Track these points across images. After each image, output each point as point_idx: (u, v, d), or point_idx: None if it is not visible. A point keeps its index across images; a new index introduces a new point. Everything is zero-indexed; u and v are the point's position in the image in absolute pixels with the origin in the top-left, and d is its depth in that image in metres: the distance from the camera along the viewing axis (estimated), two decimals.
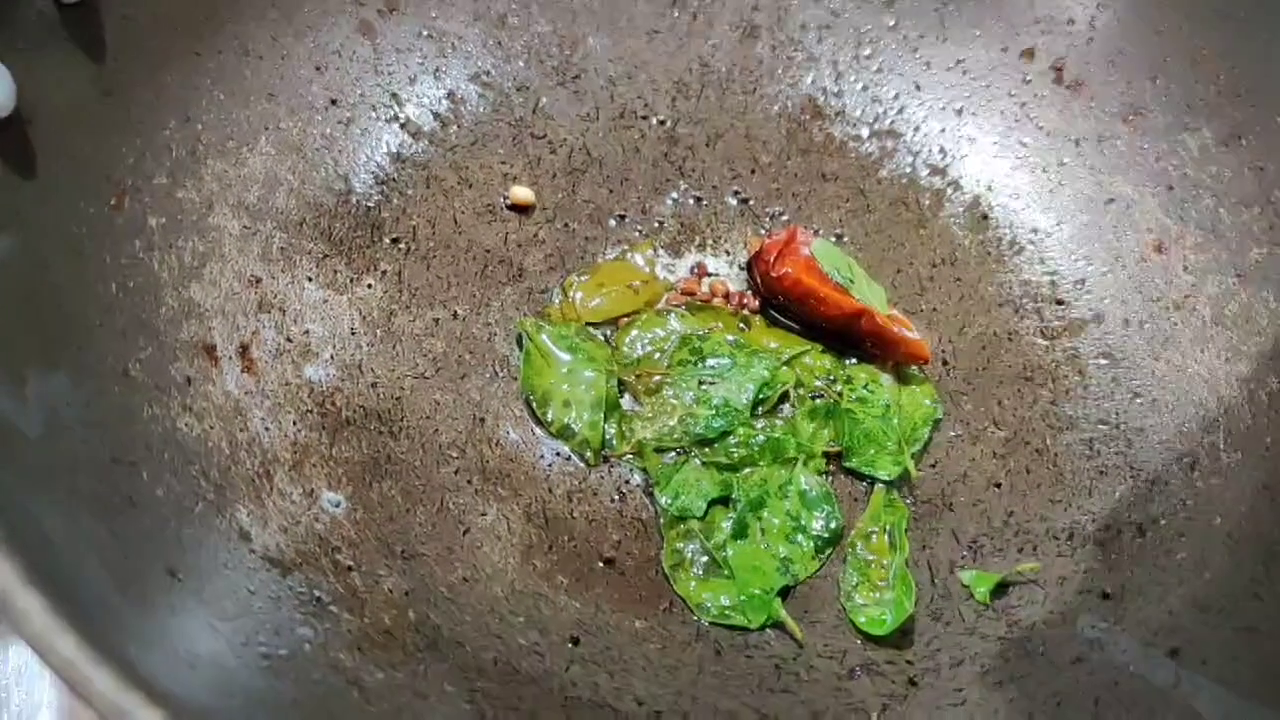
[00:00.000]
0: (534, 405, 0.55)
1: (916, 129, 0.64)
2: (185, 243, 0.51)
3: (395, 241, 0.58)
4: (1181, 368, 0.56)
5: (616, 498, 0.53)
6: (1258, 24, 0.57)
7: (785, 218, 0.62)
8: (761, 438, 0.54)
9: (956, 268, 0.61)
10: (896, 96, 0.64)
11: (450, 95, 0.62)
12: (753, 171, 0.63)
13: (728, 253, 0.61)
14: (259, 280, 0.53)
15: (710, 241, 0.61)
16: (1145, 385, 0.56)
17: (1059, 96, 0.62)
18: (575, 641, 0.48)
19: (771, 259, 0.57)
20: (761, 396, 0.55)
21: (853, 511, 0.54)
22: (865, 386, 0.56)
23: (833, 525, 0.52)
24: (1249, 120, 0.57)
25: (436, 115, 0.61)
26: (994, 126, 0.63)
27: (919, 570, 0.52)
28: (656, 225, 0.61)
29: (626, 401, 0.56)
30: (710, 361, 0.56)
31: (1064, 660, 0.47)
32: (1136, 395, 0.56)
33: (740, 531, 0.52)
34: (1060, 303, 0.59)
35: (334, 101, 0.59)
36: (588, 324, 0.57)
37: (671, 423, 0.54)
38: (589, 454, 0.54)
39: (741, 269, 0.60)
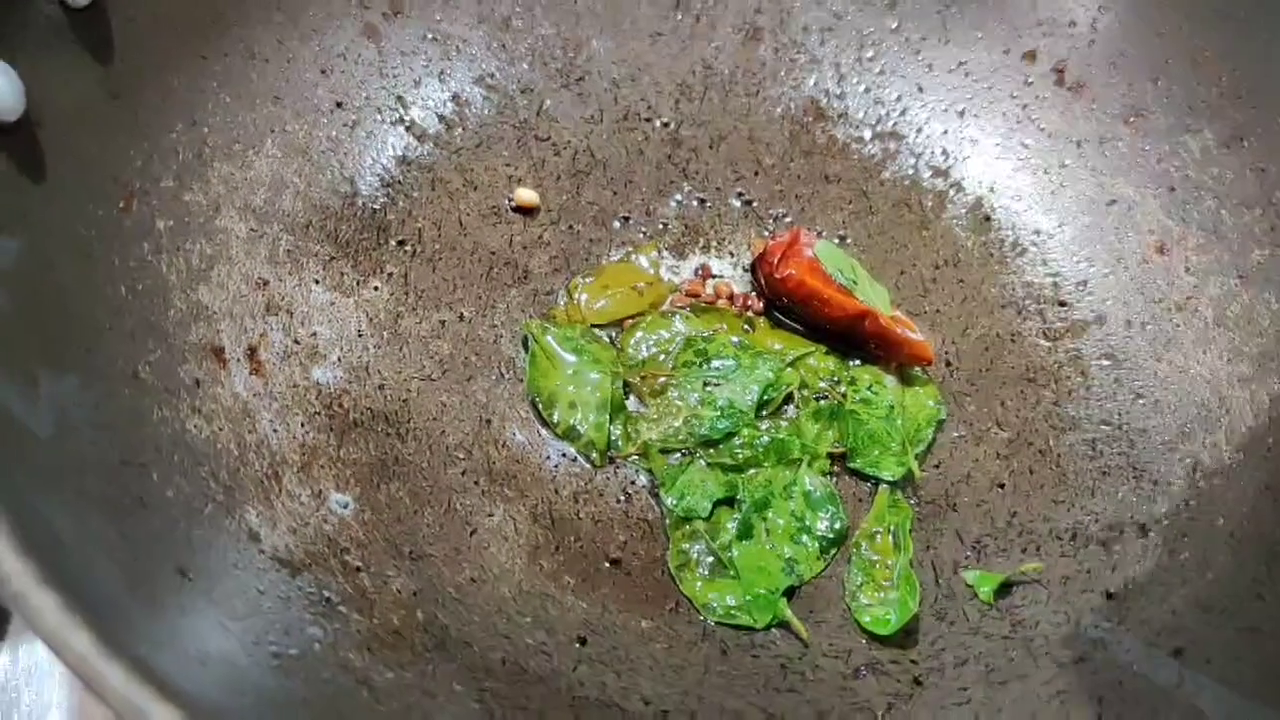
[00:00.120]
0: (540, 407, 0.55)
1: (919, 131, 0.64)
2: (193, 245, 0.51)
3: (401, 244, 0.58)
4: (1183, 369, 0.56)
5: (622, 498, 0.53)
6: (1259, 25, 0.57)
7: (788, 219, 0.62)
8: (766, 439, 0.54)
9: (959, 269, 0.61)
10: (899, 98, 0.64)
11: (455, 98, 0.62)
12: (756, 173, 0.63)
13: (732, 254, 0.61)
14: (266, 282, 0.53)
15: (714, 243, 0.61)
16: (1147, 386, 0.56)
17: (1061, 98, 0.62)
18: (582, 641, 0.48)
19: (775, 261, 0.57)
20: (766, 398, 0.55)
21: (857, 512, 0.54)
22: (869, 388, 0.56)
23: (837, 526, 0.52)
24: (1250, 122, 0.57)
25: (441, 118, 0.61)
26: (996, 128, 0.63)
27: (923, 570, 0.52)
28: (661, 227, 0.62)
29: (632, 403, 0.56)
30: (715, 363, 0.56)
31: (1068, 660, 0.48)
32: (1139, 396, 0.56)
33: (745, 532, 0.52)
34: (1062, 304, 0.59)
35: (339, 104, 0.59)
36: (593, 326, 0.58)
37: (676, 424, 0.55)
38: (595, 455, 0.54)
39: (745, 270, 0.61)
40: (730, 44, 0.65)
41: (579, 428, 0.54)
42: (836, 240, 0.61)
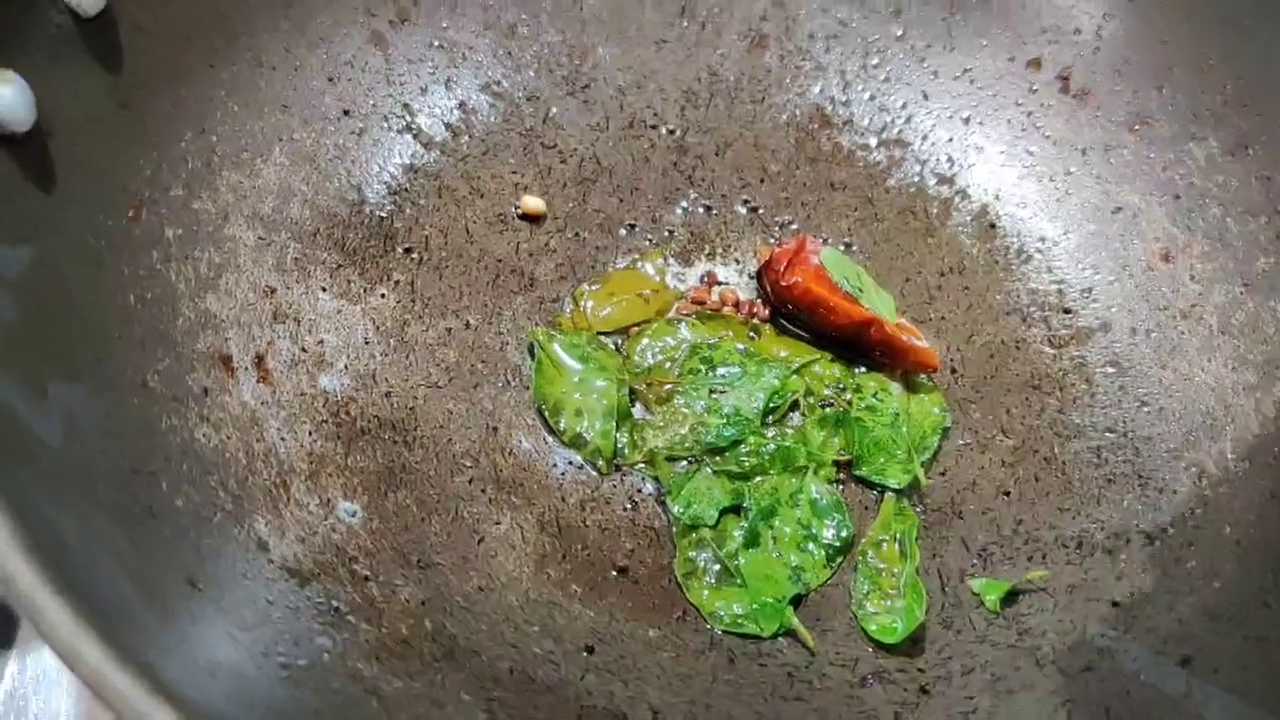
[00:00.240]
0: (546, 414, 0.55)
1: (924, 138, 0.64)
2: (201, 254, 0.51)
3: (408, 251, 0.58)
4: (1189, 376, 0.56)
5: (629, 506, 0.54)
6: (1264, 33, 0.57)
7: (794, 226, 0.62)
8: (772, 446, 0.54)
9: (964, 276, 0.61)
10: (904, 106, 0.65)
11: (461, 105, 0.62)
12: (762, 180, 0.63)
13: (737, 261, 0.61)
14: (274, 290, 0.54)
15: (720, 250, 0.62)
16: (1153, 394, 0.56)
17: (1066, 106, 0.62)
18: (590, 650, 0.48)
19: (781, 268, 0.57)
20: (772, 405, 0.56)
21: (863, 520, 0.54)
22: (875, 395, 0.56)
23: (844, 533, 0.53)
24: (1256, 130, 0.57)
25: (448, 125, 0.62)
26: (1001, 136, 0.64)
27: (929, 578, 0.52)
28: (666, 234, 0.62)
29: (638, 410, 0.56)
30: (721, 370, 0.56)
31: (1074, 669, 0.48)
32: (1144, 404, 0.56)
33: (752, 540, 0.52)
34: (1067, 311, 0.60)
35: (347, 112, 0.59)
36: (599, 333, 0.58)
37: (683, 431, 0.55)
38: (601, 463, 0.54)
39: (751, 278, 0.61)
40: (736, 51, 0.65)
41: (585, 435, 0.54)
42: (842, 247, 0.62)
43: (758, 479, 0.54)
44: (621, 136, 0.63)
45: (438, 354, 0.56)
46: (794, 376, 0.57)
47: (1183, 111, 0.60)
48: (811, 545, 0.52)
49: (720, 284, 0.61)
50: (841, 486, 0.55)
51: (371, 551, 0.48)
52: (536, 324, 0.58)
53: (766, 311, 0.59)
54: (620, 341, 0.58)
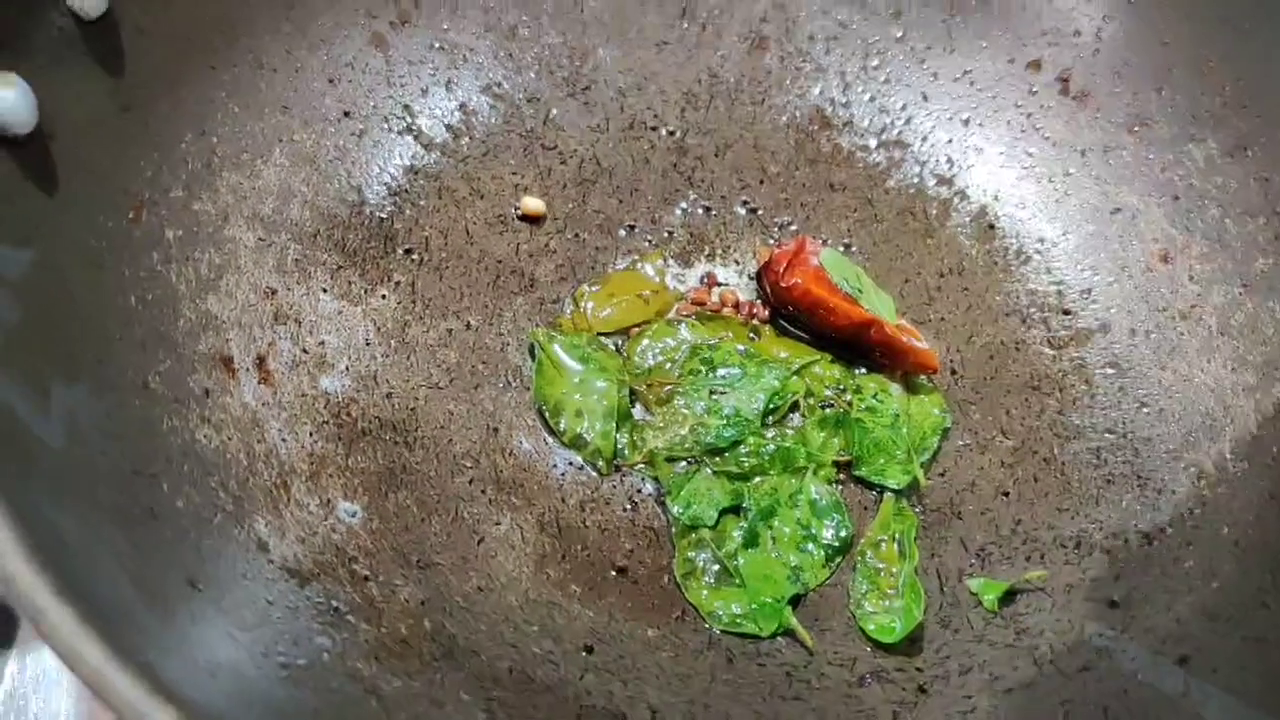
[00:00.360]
0: (546, 415, 0.55)
1: (924, 139, 0.64)
2: (202, 255, 0.51)
3: (408, 252, 0.58)
4: (1188, 377, 0.56)
5: (628, 507, 0.54)
6: (1264, 35, 0.57)
7: (794, 227, 0.62)
8: (772, 447, 0.55)
9: (964, 277, 0.61)
10: (904, 107, 0.65)
11: (462, 107, 0.62)
12: (761, 181, 0.63)
13: (737, 262, 0.62)
14: (274, 292, 0.54)
15: (720, 251, 0.62)
16: (1152, 394, 0.56)
17: (1065, 107, 0.63)
18: (589, 650, 0.48)
19: (781, 269, 0.57)
20: (772, 406, 0.56)
21: (862, 520, 0.54)
22: (874, 396, 0.57)
23: (843, 534, 0.53)
24: (1255, 131, 0.57)
25: (448, 127, 0.62)
26: (1001, 137, 0.64)
27: (928, 578, 0.52)
28: (666, 235, 0.62)
29: (638, 411, 0.56)
30: (721, 371, 0.56)
31: (1072, 668, 0.48)
32: (1143, 404, 0.56)
33: (751, 540, 0.52)
34: (1067, 312, 0.60)
35: (347, 114, 0.59)
36: (599, 334, 0.58)
37: (683, 432, 0.55)
38: (601, 463, 0.54)
39: (751, 279, 0.61)
40: (736, 53, 0.65)
41: (585, 436, 0.54)
42: (841, 248, 0.62)
43: (757, 479, 0.54)
44: (622, 138, 0.63)
45: (438, 355, 0.56)
46: (794, 377, 0.57)
47: (1182, 113, 0.60)
48: (810, 545, 0.52)
49: (720, 285, 0.61)
50: (841, 487, 0.55)
51: (371, 552, 0.48)
52: (537, 325, 0.58)
53: (766, 312, 0.60)
54: (620, 342, 0.58)
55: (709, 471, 0.54)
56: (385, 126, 0.60)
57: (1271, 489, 0.51)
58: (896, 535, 0.53)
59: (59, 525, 0.37)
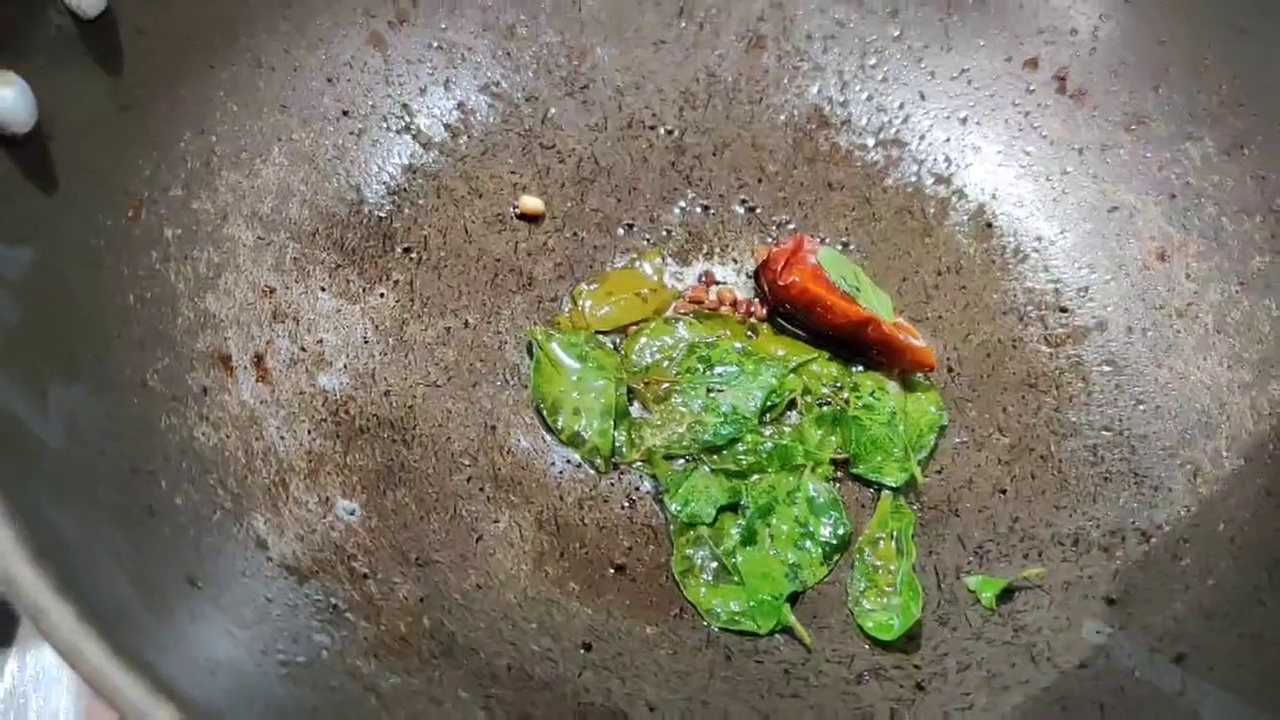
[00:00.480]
0: (544, 413, 0.55)
1: (921, 138, 0.64)
2: (201, 253, 0.51)
3: (407, 251, 0.58)
4: (1184, 375, 0.56)
5: (627, 505, 0.54)
6: (1261, 34, 0.57)
7: (792, 226, 0.63)
8: (769, 445, 0.55)
9: (961, 275, 0.61)
10: (901, 106, 0.65)
11: (460, 106, 0.62)
12: (759, 180, 0.64)
13: (735, 261, 0.62)
14: (273, 290, 0.54)
15: (718, 250, 0.62)
16: (1148, 392, 0.57)
17: (1062, 106, 0.63)
18: (587, 648, 0.48)
19: (779, 267, 0.58)
20: (769, 404, 0.56)
21: (860, 517, 0.54)
22: (872, 393, 0.57)
23: (840, 531, 0.53)
24: (1251, 129, 0.57)
25: (447, 126, 0.62)
26: (998, 135, 0.64)
27: (925, 575, 0.52)
28: (664, 234, 0.62)
29: (636, 409, 0.56)
30: (718, 369, 0.57)
31: (1070, 665, 0.48)
32: (1140, 402, 0.56)
33: (749, 538, 0.52)
34: (1064, 310, 0.60)
35: (345, 113, 0.59)
36: (597, 332, 0.58)
37: (680, 430, 0.55)
38: (599, 461, 0.54)
39: (749, 277, 0.61)
40: (734, 52, 0.65)
41: (583, 434, 0.55)
42: (839, 247, 0.62)
43: (755, 477, 0.54)
44: (620, 137, 0.64)
45: (436, 353, 0.56)
46: (791, 375, 0.57)
47: (1179, 111, 0.60)
48: (808, 543, 0.53)
49: (718, 283, 0.61)
50: (838, 484, 0.55)
51: (370, 549, 0.48)
52: (535, 323, 0.58)
53: (764, 311, 0.60)
54: (618, 340, 0.58)
55: (707, 469, 0.54)
56: (384, 125, 0.60)
57: (1268, 486, 0.51)
58: (894, 533, 0.53)
59: (59, 524, 0.37)
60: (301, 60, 0.58)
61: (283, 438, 0.50)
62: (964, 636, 0.50)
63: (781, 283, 0.57)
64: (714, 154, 0.64)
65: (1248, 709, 0.43)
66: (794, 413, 0.57)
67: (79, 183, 0.45)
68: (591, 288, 0.59)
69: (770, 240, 0.62)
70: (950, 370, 0.59)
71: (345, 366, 0.54)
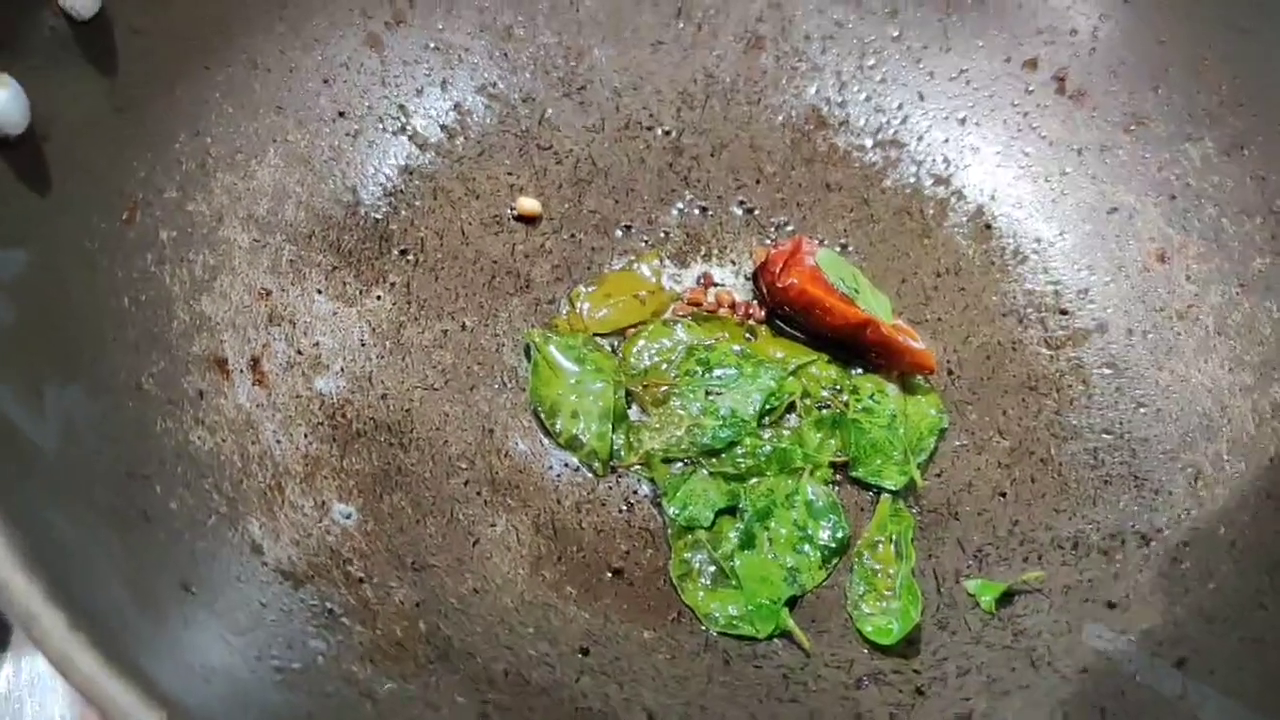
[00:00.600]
0: (542, 416, 0.55)
1: (920, 139, 0.64)
2: (196, 256, 0.51)
3: (403, 253, 0.58)
4: (1185, 377, 0.56)
5: (624, 508, 0.54)
6: (1261, 34, 0.57)
7: (790, 227, 0.62)
8: (768, 448, 0.54)
9: (960, 277, 0.61)
10: (900, 106, 0.65)
11: (457, 107, 0.62)
12: (757, 181, 0.63)
13: (733, 263, 0.61)
14: (269, 293, 0.54)
15: (716, 252, 0.62)
16: (1149, 395, 0.56)
17: (1062, 106, 0.62)
18: (585, 652, 0.48)
19: (777, 269, 0.57)
20: (768, 407, 0.56)
21: (859, 521, 0.54)
22: (871, 396, 0.56)
23: (839, 535, 0.53)
24: (1251, 130, 0.57)
25: (443, 127, 0.62)
26: (997, 136, 0.64)
27: (925, 579, 0.52)
28: (662, 236, 0.62)
29: (634, 412, 0.56)
30: (717, 372, 0.56)
31: (1070, 670, 0.48)
32: (1140, 405, 0.56)
33: (748, 541, 0.52)
34: (1064, 312, 0.60)
35: (342, 114, 0.59)
36: (595, 335, 0.58)
37: (679, 433, 0.55)
38: (597, 464, 0.54)
39: (747, 279, 0.61)
40: (732, 52, 0.65)
41: (581, 437, 0.54)
42: (838, 248, 0.62)
43: (754, 480, 0.54)
44: (617, 138, 0.63)
45: (434, 356, 0.56)
46: (790, 378, 0.57)
47: (1179, 112, 0.60)
48: (807, 547, 0.52)
49: (716, 285, 0.61)
50: (837, 488, 0.55)
51: (366, 554, 0.48)
52: (532, 326, 0.58)
53: (763, 313, 0.59)
54: (616, 343, 0.58)
55: (705, 472, 0.54)
56: (380, 127, 0.60)
57: (1269, 489, 0.51)
58: (893, 536, 0.53)
59: (53, 529, 0.37)
60: (297, 61, 0.58)
61: (279, 441, 0.50)
62: (964, 641, 0.50)
63: (780, 284, 0.57)
64: (712, 155, 0.64)
65: (1249, 713, 0.43)
66: (793, 415, 0.57)
67: (73, 185, 0.45)
68: (589, 290, 0.59)
69: (768, 242, 0.62)
70: (950, 373, 0.58)
71: (342, 370, 0.54)
